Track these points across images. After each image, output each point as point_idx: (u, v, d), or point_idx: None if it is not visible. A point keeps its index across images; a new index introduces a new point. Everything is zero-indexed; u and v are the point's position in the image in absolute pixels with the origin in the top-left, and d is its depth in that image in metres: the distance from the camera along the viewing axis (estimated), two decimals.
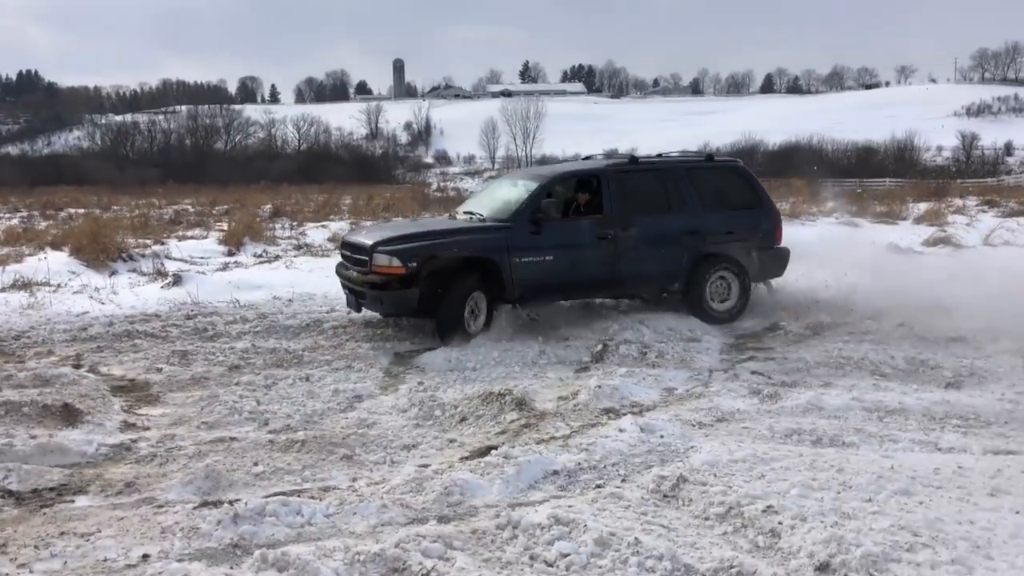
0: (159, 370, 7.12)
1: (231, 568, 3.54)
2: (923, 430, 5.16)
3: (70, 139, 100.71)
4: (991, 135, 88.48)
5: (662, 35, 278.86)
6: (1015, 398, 5.77)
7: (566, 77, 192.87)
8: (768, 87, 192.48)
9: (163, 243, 16.51)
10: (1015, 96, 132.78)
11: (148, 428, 5.68)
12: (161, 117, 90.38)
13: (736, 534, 3.73)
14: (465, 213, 9.22)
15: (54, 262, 13.05)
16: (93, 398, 6.12)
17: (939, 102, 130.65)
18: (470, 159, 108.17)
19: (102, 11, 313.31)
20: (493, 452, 4.81)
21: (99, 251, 13.71)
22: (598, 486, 4.36)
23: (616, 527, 3.73)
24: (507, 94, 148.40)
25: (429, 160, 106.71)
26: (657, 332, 8.23)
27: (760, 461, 4.50)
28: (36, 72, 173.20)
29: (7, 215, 26.31)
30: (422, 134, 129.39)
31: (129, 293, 10.97)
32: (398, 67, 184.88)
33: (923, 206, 26.02)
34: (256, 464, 4.87)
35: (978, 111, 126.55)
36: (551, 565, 3.48)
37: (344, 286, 8.76)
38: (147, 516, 4.12)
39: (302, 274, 12.72)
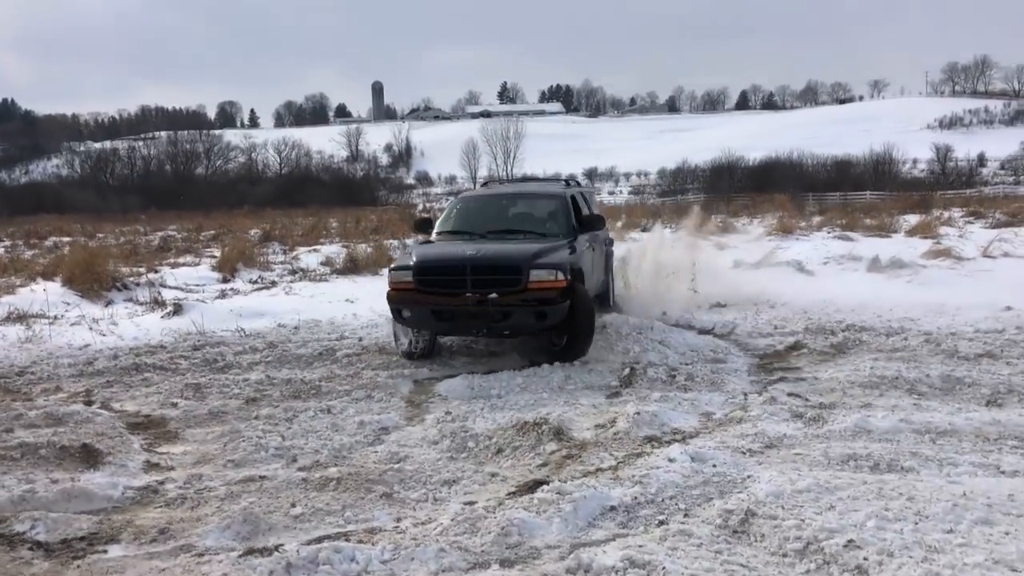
0: (174, 405, 6.87)
1: None
2: (980, 452, 5.01)
3: (48, 167, 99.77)
4: (964, 147, 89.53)
5: (638, 54, 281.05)
6: None
7: (544, 97, 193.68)
8: (743, 104, 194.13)
9: (156, 271, 16.24)
10: (985, 108, 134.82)
11: (172, 468, 5.44)
12: (140, 143, 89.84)
13: (820, 572, 3.55)
14: (491, 233, 8.87)
15: (47, 293, 12.75)
16: (111, 437, 5.88)
17: (912, 115, 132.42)
18: (451, 179, 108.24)
19: (78, 38, 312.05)
20: (544, 487, 4.60)
21: (93, 281, 13.44)
22: (661, 522, 4.16)
23: (695, 569, 3.54)
24: (486, 115, 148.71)
25: (411, 181, 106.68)
26: (680, 353, 8.08)
27: (825, 491, 4.33)
28: (12, 100, 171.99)
29: None
30: (403, 156, 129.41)
31: (129, 324, 10.71)
32: (377, 90, 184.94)
33: (912, 219, 26.15)
34: (294, 505, 4.64)
35: (950, 124, 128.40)
36: None
37: (438, 313, 7.91)
38: (189, 566, 3.88)
39: (303, 300, 12.50)
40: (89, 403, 6.91)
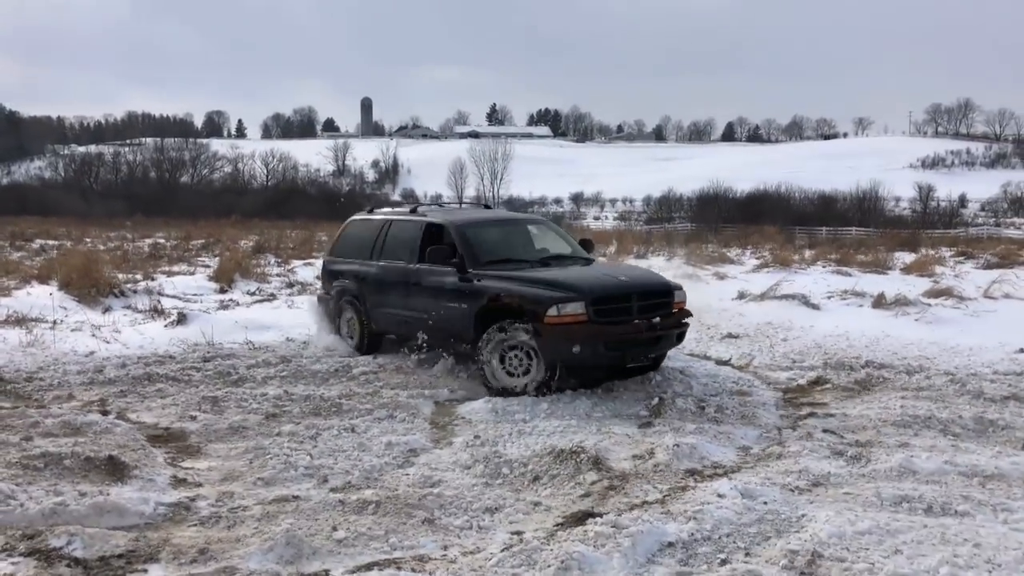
0: (193, 418, 6.70)
1: None
2: None
3: (31, 169, 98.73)
4: (945, 187, 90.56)
5: (626, 82, 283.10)
6: None
7: (532, 120, 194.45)
8: (729, 135, 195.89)
9: (153, 279, 15.98)
10: (967, 150, 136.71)
11: (200, 484, 5.27)
12: (126, 149, 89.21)
13: None
14: (544, 260, 8.73)
15: (43, 296, 12.52)
16: (133, 449, 5.70)
17: (895, 154, 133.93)
18: (438, 198, 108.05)
19: (66, 41, 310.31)
20: (597, 520, 4.48)
21: (90, 286, 13.19)
22: (723, 561, 4.04)
23: None
24: (474, 135, 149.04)
25: (396, 198, 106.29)
26: (703, 384, 7.99)
27: (887, 533, 4.23)
28: None
29: None
30: (389, 172, 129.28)
31: (132, 332, 10.50)
32: (366, 105, 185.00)
33: (906, 256, 26.30)
34: (335, 528, 4.49)
35: (933, 164, 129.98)
36: None
37: (608, 344, 7.49)
38: None
39: (306, 314, 12.29)
40: (105, 413, 6.72)
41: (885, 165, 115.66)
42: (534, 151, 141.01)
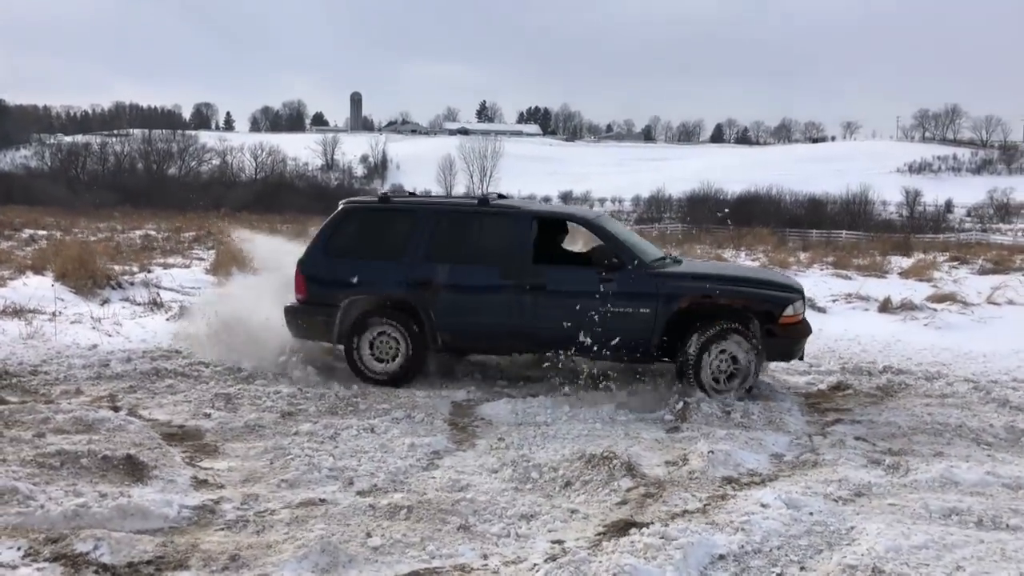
0: (207, 416, 6.50)
1: None
2: None
3: (16, 157, 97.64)
4: (932, 192, 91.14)
5: (616, 82, 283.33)
6: None
7: (522, 118, 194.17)
8: (718, 136, 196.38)
9: (149, 271, 15.72)
10: (953, 156, 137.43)
11: (222, 486, 5.08)
12: (114, 139, 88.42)
13: None
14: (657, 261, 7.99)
15: (38, 287, 12.25)
16: (150, 448, 5.50)
17: (883, 158, 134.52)
18: (426, 194, 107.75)
19: (53, 30, 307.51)
20: (644, 530, 4.32)
21: (87, 277, 12.92)
22: (778, 575, 3.91)
23: None
24: (464, 132, 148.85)
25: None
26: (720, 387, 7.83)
27: (944, 548, 4.10)
28: None
29: None
30: (378, 167, 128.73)
31: (133, 325, 10.27)
32: (355, 100, 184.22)
33: (902, 261, 26.30)
34: (369, 535, 4.32)
35: (920, 169, 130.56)
36: None
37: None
38: None
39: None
40: (115, 409, 6.51)
41: (873, 169, 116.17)
42: (524, 149, 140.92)
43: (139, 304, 11.96)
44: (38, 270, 14.25)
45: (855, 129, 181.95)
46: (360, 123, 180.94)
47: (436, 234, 7.81)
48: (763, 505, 4.71)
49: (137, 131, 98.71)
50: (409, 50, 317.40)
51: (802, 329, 7.63)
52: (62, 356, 8.29)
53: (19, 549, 3.96)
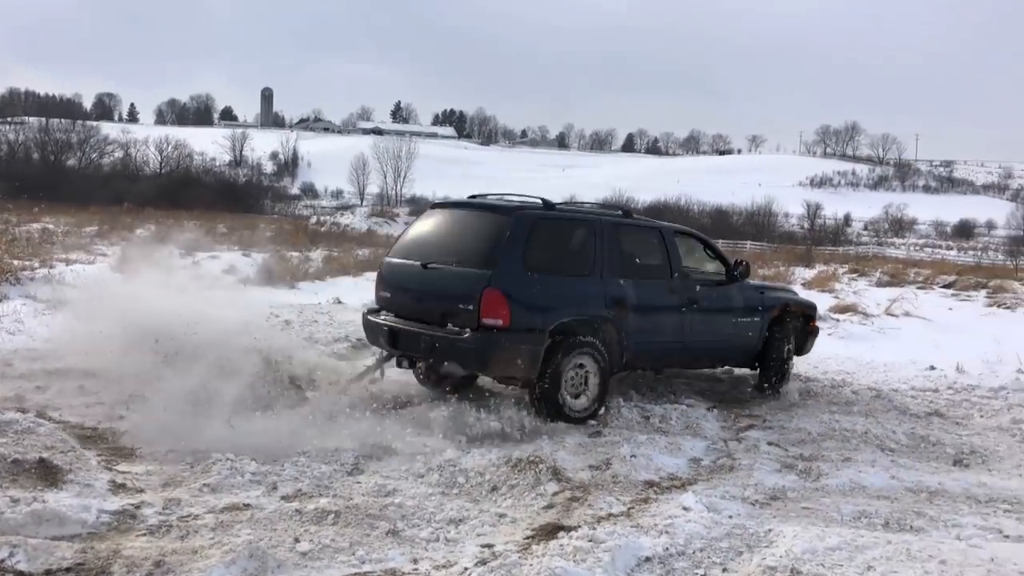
0: (121, 417, 6.30)
1: None
2: (979, 515, 5.11)
3: None
4: (832, 206, 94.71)
5: (531, 88, 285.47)
6: None
7: (437, 120, 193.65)
8: (629, 146, 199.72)
9: (51, 267, 15.09)
10: (853, 171, 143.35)
11: (142, 490, 4.94)
12: (7, 127, 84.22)
13: None
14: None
15: None
16: (63, 451, 5.29)
17: (786, 172, 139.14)
18: (338, 194, 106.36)
19: None
20: (570, 532, 4.40)
21: None
22: None
23: None
24: (378, 132, 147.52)
25: (295, 192, 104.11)
26: (641, 392, 8.01)
27: (856, 549, 4.29)
28: None
29: None
30: (289, 165, 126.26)
31: (37, 323, 9.86)
32: (267, 96, 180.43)
33: (803, 272, 27.28)
34: (298, 540, 4.27)
35: (821, 183, 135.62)
36: None
37: None
38: None
39: (222, 311, 11.82)
40: (23, 410, 6.23)
41: (777, 182, 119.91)
42: (439, 151, 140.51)
43: (42, 301, 11.49)
44: None
45: (760, 143, 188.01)
46: (271, 119, 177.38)
47: (616, 248, 7.25)
48: (685, 508, 4.86)
49: (33, 119, 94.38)
50: (323, 47, 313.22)
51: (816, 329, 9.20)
52: None
53: None
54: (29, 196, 51.56)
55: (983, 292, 22.23)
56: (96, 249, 20.78)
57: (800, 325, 8.81)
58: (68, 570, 3.80)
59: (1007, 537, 4.77)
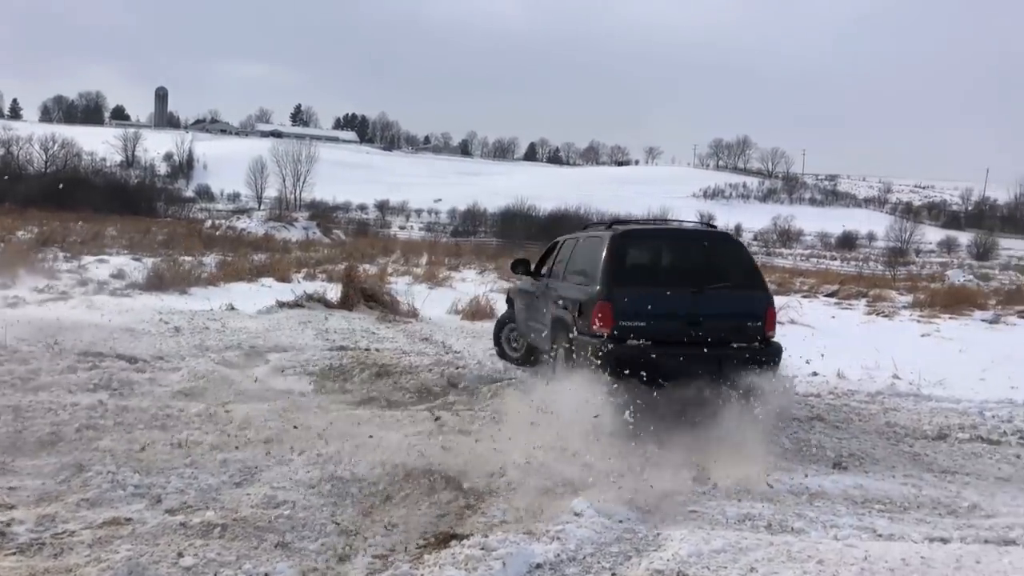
0: None
1: None
2: (855, 515, 5.34)
3: None
4: (724, 217, 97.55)
5: (434, 94, 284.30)
6: (913, 482, 6.15)
7: (339, 124, 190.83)
8: (531, 155, 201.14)
9: None
10: (743, 184, 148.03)
11: (14, 506, 4.71)
12: None
13: None
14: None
15: None
16: None
17: (681, 183, 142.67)
18: (235, 197, 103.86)
19: None
20: (463, 541, 4.41)
21: None
22: None
23: None
24: (277, 134, 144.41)
25: (190, 194, 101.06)
26: (532, 398, 8.08)
27: (739, 551, 4.44)
28: None
29: None
30: (183, 167, 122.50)
31: None
32: (161, 95, 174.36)
33: None
34: (181, 555, 4.15)
35: (713, 194, 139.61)
36: None
37: None
38: None
39: (111, 316, 11.41)
40: None
41: (672, 193, 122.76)
42: (340, 155, 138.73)
43: None
44: None
45: (657, 155, 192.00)
46: (165, 119, 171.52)
47: None
48: (576, 514, 4.93)
49: None
50: (220, 46, 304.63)
51: None
52: None
53: None
54: None
55: (863, 301, 23.32)
56: None
57: None
58: None
59: (880, 536, 5.00)
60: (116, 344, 9.52)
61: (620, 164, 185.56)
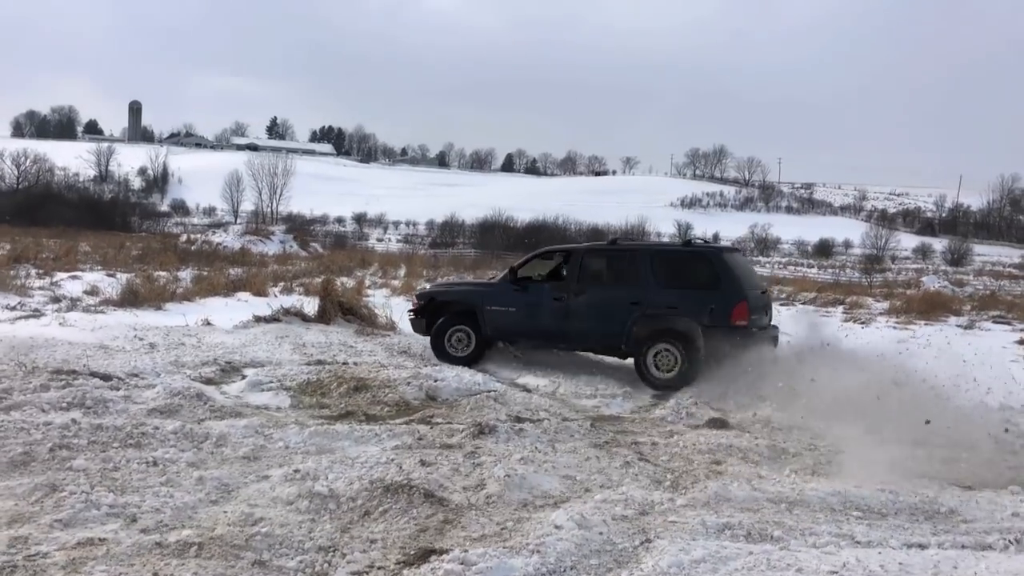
0: None
1: None
2: (834, 523, 5.35)
3: None
4: (702, 226, 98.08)
5: (411, 107, 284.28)
6: (891, 488, 6.17)
7: (316, 137, 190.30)
8: (509, 166, 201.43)
9: None
10: (721, 193, 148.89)
11: None
12: None
13: None
14: None
15: None
16: None
17: (658, 192, 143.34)
18: (211, 211, 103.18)
19: None
20: (442, 556, 4.39)
21: None
22: None
23: None
24: (253, 148, 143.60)
25: (165, 208, 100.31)
26: (517, 411, 8.08)
27: (720, 561, 4.44)
28: None
29: None
30: (158, 181, 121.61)
31: None
32: (135, 109, 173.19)
33: None
34: (157, 575, 4.09)
35: (691, 204, 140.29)
36: None
37: None
38: None
39: (85, 333, 11.29)
40: None
41: (649, 203, 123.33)
42: (316, 168, 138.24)
43: None
44: None
45: (634, 165, 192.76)
46: (139, 134, 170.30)
47: None
48: (557, 527, 4.90)
49: None
50: (195, 60, 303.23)
51: None
52: None
53: None
54: None
55: (840, 308, 23.49)
56: None
57: None
58: None
59: (858, 543, 5.01)
60: (90, 361, 9.41)
61: (598, 174, 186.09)
